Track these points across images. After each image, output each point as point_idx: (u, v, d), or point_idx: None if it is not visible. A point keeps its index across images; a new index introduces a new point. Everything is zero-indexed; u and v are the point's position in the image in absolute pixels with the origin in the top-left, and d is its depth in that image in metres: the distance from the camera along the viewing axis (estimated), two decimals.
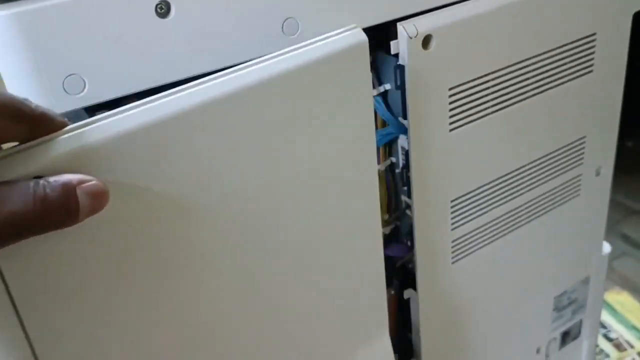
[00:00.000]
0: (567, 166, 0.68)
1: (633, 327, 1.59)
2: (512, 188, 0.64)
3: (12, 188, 0.28)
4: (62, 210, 0.29)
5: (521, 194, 0.65)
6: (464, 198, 0.60)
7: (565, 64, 0.61)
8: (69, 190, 0.29)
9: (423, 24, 0.49)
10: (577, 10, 0.59)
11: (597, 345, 1.56)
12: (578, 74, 0.62)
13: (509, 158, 0.62)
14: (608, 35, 0.62)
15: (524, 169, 0.64)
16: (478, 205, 0.61)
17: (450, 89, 0.53)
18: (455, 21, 0.51)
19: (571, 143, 0.67)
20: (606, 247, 0.81)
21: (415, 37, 0.48)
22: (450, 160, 0.57)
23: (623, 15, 0.63)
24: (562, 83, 0.61)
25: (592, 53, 0.62)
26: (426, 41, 0.50)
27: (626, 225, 2.00)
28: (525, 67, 0.57)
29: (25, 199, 0.28)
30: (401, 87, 0.51)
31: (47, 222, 0.29)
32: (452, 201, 0.59)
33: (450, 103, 0.54)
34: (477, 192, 0.61)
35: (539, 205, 0.68)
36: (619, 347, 1.56)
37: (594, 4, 0.60)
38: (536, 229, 0.69)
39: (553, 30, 0.58)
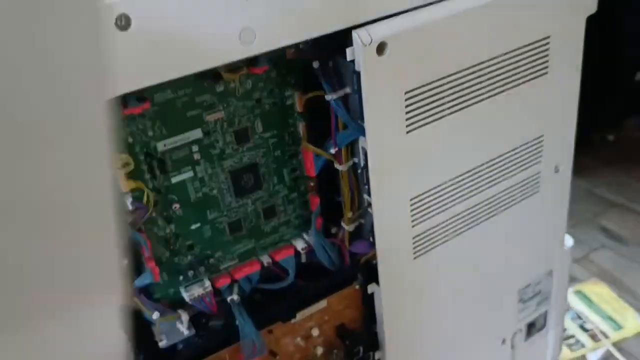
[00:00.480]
0: (525, 164, 0.70)
1: (609, 318, 1.63)
2: (472, 186, 0.66)
3: None
4: None
5: (481, 192, 0.68)
6: (423, 196, 0.62)
7: (520, 66, 0.63)
8: None
9: (377, 32, 0.51)
10: (530, 14, 0.61)
11: (572, 336, 1.60)
12: (533, 75, 0.65)
13: (467, 157, 0.65)
14: (562, 38, 0.65)
15: (482, 167, 0.66)
16: (438, 202, 0.64)
17: (406, 92, 0.56)
18: (409, 28, 0.53)
19: (529, 142, 0.69)
20: (568, 241, 0.84)
21: (369, 44, 0.51)
22: (408, 161, 0.59)
23: (576, 18, 0.66)
24: (518, 85, 0.64)
25: (547, 55, 0.65)
26: (380, 48, 0.52)
27: (606, 218, 2.04)
28: (480, 70, 0.60)
29: None
30: (358, 91, 0.53)
31: None
32: (411, 199, 0.61)
33: (407, 106, 0.56)
34: (436, 190, 0.63)
35: (499, 202, 0.70)
36: (594, 337, 1.59)
37: (547, 8, 0.62)
38: (497, 225, 0.71)
39: (507, 35, 0.60)
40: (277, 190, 0.61)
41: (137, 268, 0.56)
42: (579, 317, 1.65)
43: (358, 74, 0.52)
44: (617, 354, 1.56)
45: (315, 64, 0.56)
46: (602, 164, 2.34)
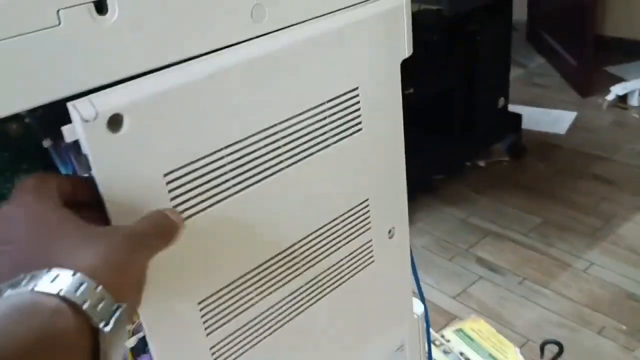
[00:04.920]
0: (351, 234, 0.59)
1: (490, 356, 1.57)
2: (287, 270, 0.54)
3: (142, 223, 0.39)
4: (168, 225, 0.40)
5: (299, 274, 0.56)
6: (217, 296, 0.49)
7: (326, 124, 0.52)
8: (160, 214, 0.40)
9: (106, 102, 0.38)
10: (329, 65, 0.51)
11: None
12: (345, 133, 0.54)
13: (276, 238, 0.52)
14: (373, 88, 0.55)
15: (296, 247, 0.54)
16: (241, 298, 0.51)
17: (167, 174, 0.43)
18: (156, 93, 0.40)
19: (352, 209, 0.58)
20: (419, 307, 0.74)
21: (94, 119, 0.38)
22: (188, 258, 0.46)
23: (388, 65, 0.56)
24: (328, 146, 0.53)
25: (358, 110, 0.54)
26: (114, 122, 0.39)
27: (480, 248, 2.00)
28: (272, 135, 0.48)
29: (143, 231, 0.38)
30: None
31: (166, 237, 0.40)
32: (199, 303, 0.48)
33: (171, 191, 0.43)
34: (236, 285, 0.50)
35: (325, 282, 0.59)
36: None
37: (350, 56, 0.52)
38: (328, 307, 0.60)
39: (301, 91, 0.49)
40: None
41: None
42: (462, 358, 1.57)
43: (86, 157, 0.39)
44: None
45: (47, 143, 0.43)
46: (474, 191, 2.32)
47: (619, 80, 3.07)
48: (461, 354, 1.57)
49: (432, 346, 1.60)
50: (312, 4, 0.48)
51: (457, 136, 2.32)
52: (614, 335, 1.59)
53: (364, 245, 0.61)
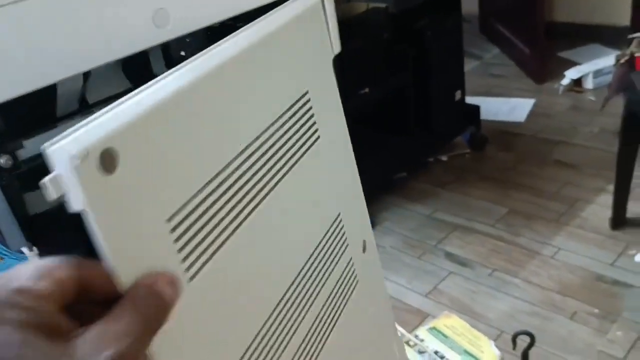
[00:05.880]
0: (336, 256, 0.55)
1: (465, 352, 1.56)
2: (291, 316, 0.48)
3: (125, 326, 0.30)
4: (161, 310, 0.32)
5: (303, 317, 0.49)
6: None
7: (290, 137, 0.47)
8: (154, 293, 0.33)
9: (91, 137, 0.31)
10: (276, 72, 0.47)
11: None
12: (308, 143, 0.50)
13: (275, 280, 0.46)
14: (320, 89, 0.52)
15: (296, 283, 0.48)
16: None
17: (170, 219, 0.35)
18: (140, 117, 0.33)
19: (330, 227, 0.54)
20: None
21: (84, 159, 0.30)
22: (198, 325, 0.38)
23: (323, 65, 0.53)
24: (297, 161, 0.48)
25: (312, 116, 0.51)
26: (109, 159, 0.31)
27: (449, 243, 2.00)
28: (248, 156, 0.42)
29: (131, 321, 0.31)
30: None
31: (158, 324, 0.32)
32: None
33: (177, 240, 0.36)
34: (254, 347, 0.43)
35: (327, 318, 0.53)
36: None
37: (290, 59, 0.49)
38: (337, 344, 0.54)
39: (259, 106, 0.44)
40: None
41: None
42: (437, 357, 1.56)
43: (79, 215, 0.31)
44: None
45: None
46: (438, 186, 2.32)
47: (572, 64, 3.10)
48: (436, 352, 1.56)
49: (407, 347, 1.59)
50: (217, 7, 0.44)
51: (416, 133, 2.32)
52: (586, 320, 1.59)
53: (347, 264, 0.57)
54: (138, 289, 0.32)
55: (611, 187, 1.93)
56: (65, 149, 0.29)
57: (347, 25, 2.02)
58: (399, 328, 1.33)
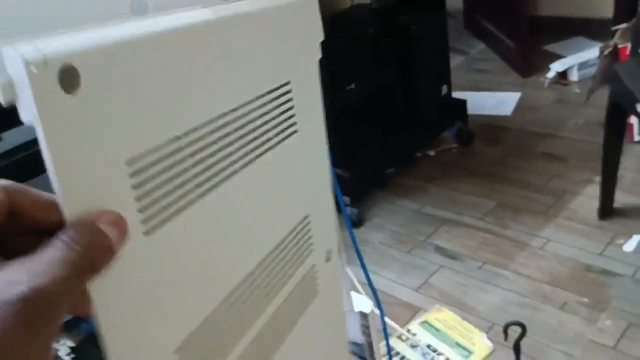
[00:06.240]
0: (299, 258, 0.53)
1: (457, 345, 1.56)
2: (250, 304, 0.47)
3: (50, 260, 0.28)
4: (101, 249, 0.30)
5: (257, 317, 0.48)
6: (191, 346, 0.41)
7: (267, 121, 0.47)
8: (94, 230, 0.30)
9: (53, 48, 0.29)
10: (261, 53, 0.47)
11: None
12: (284, 134, 0.50)
13: (236, 259, 0.45)
14: (302, 85, 0.52)
15: (253, 276, 0.47)
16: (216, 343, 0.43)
17: (130, 162, 0.33)
18: (112, 45, 0.32)
19: (297, 227, 0.53)
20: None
21: (42, 68, 0.28)
22: (146, 283, 0.36)
23: (309, 58, 0.53)
24: (270, 147, 0.48)
25: (292, 108, 0.51)
26: (70, 78, 0.29)
27: (438, 237, 2.00)
28: (222, 126, 0.41)
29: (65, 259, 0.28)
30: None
31: (96, 264, 0.30)
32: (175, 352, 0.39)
33: (136, 188, 0.34)
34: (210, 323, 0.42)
35: (281, 323, 0.52)
36: None
37: (277, 47, 0.49)
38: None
39: (241, 78, 0.43)
40: None
41: None
42: (430, 350, 1.56)
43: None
44: None
45: None
46: (426, 181, 2.33)
47: (557, 57, 3.12)
48: (428, 346, 1.56)
49: (399, 341, 1.59)
50: None
51: (403, 128, 2.32)
52: (576, 309, 1.60)
53: (309, 271, 0.55)
54: (77, 224, 0.30)
55: (598, 178, 1.94)
56: (21, 52, 0.27)
57: (332, 21, 2.02)
58: (392, 322, 1.33)
